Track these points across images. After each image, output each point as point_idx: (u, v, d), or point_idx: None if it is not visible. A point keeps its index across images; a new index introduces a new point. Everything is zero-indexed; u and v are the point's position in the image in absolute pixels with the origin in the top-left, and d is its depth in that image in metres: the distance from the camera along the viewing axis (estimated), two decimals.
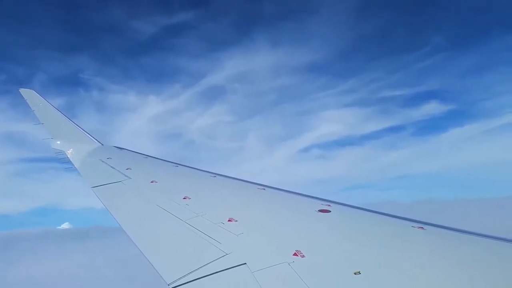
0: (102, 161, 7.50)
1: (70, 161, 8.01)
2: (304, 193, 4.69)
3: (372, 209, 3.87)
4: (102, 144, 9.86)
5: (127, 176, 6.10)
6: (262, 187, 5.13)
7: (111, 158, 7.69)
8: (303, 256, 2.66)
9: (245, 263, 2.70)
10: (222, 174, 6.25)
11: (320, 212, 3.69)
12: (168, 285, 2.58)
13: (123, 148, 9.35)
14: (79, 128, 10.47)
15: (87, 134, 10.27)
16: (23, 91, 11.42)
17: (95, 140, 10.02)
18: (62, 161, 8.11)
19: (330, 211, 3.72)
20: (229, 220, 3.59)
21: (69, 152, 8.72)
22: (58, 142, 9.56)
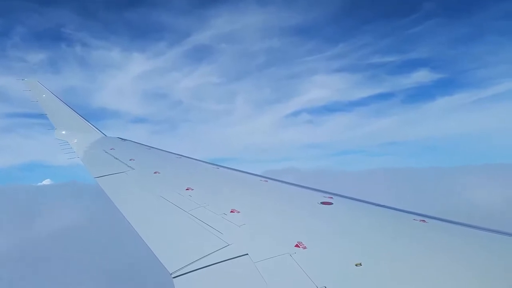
0: (106, 152, 7.53)
1: (74, 151, 8.06)
2: (306, 186, 4.70)
3: (374, 202, 3.88)
4: (105, 135, 9.90)
5: (130, 167, 6.13)
6: (265, 179, 5.14)
7: (114, 149, 7.72)
8: (304, 248, 2.68)
9: (247, 254, 2.72)
10: (225, 166, 6.28)
11: (322, 204, 3.70)
12: (171, 274, 2.61)
13: (126, 139, 9.38)
14: (83, 119, 10.50)
15: (91, 125, 10.31)
16: (27, 82, 11.43)
17: (98, 131, 10.06)
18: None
19: (332, 203, 3.73)
20: (231, 211, 3.61)
21: (73, 143, 8.76)
22: (63, 132, 9.61)
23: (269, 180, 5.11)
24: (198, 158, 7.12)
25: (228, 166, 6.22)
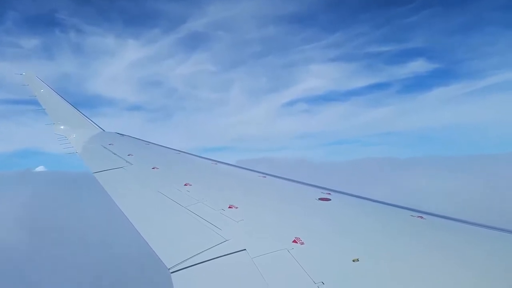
0: (104, 147, 7.52)
1: (72, 147, 8.05)
2: (304, 182, 4.71)
3: (372, 198, 3.89)
4: (104, 130, 9.88)
5: (128, 162, 6.13)
6: (263, 175, 5.14)
7: (112, 144, 7.71)
8: (302, 243, 2.69)
9: (245, 249, 2.72)
10: (223, 162, 6.28)
11: (320, 201, 3.71)
12: (169, 269, 2.62)
13: (125, 135, 9.37)
14: (81, 114, 10.48)
15: (89, 120, 10.29)
16: (25, 76, 11.40)
17: (96, 126, 10.04)
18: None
19: (330, 200, 3.74)
20: (229, 207, 3.61)
21: (71, 137, 8.74)
22: (62, 127, 9.59)
23: (267, 176, 5.12)
24: (195, 153, 7.13)
25: (227, 162, 6.22)
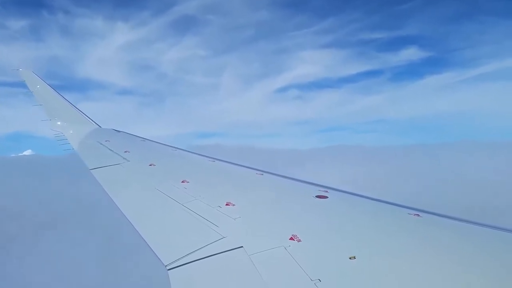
0: (101, 144, 7.49)
1: (69, 143, 8.01)
2: (302, 179, 4.72)
3: (369, 196, 3.90)
4: (100, 127, 9.85)
5: (125, 158, 6.11)
6: (260, 172, 5.14)
7: (109, 141, 7.68)
8: (299, 241, 2.69)
9: (242, 247, 2.73)
10: (221, 159, 6.27)
11: (317, 198, 3.72)
12: (166, 266, 2.62)
13: (121, 131, 9.35)
14: (77, 110, 10.44)
15: (85, 116, 10.25)
16: (22, 72, 11.32)
17: (93, 122, 10.01)
18: (59, 139, 8.31)
19: (327, 197, 3.75)
20: (226, 204, 3.61)
21: (68, 134, 8.70)
22: (59, 123, 9.56)
23: (264, 174, 5.12)
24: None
25: (224, 159, 6.22)
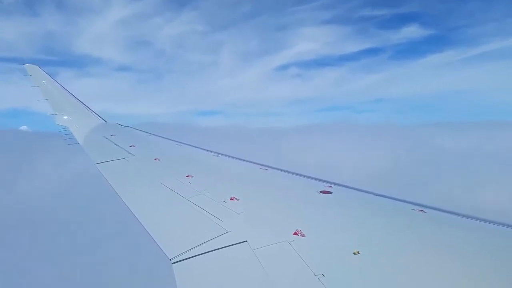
0: (106, 138, 7.54)
1: (74, 137, 8.07)
2: (306, 174, 4.72)
3: (374, 192, 3.89)
4: (106, 121, 9.91)
5: (130, 153, 6.15)
6: (265, 168, 5.15)
7: (114, 135, 7.73)
8: (303, 236, 2.70)
9: (246, 241, 2.74)
10: (225, 154, 6.29)
11: (322, 193, 3.72)
12: (170, 260, 2.64)
13: (127, 126, 9.40)
14: (83, 105, 10.50)
15: (91, 111, 10.32)
16: (28, 67, 11.40)
17: (98, 117, 10.07)
18: (66, 136, 8.34)
19: (331, 193, 3.74)
20: (231, 199, 3.62)
21: (74, 128, 8.76)
22: (65, 117, 9.64)
23: (268, 169, 5.12)
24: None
25: (228, 154, 6.23)
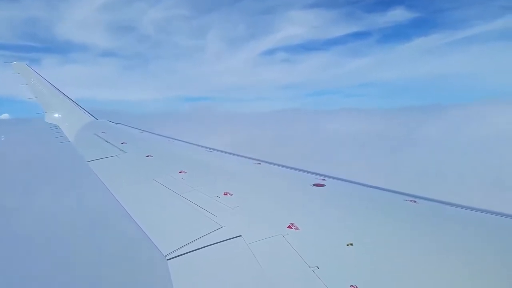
0: (97, 136, 7.47)
1: (65, 135, 7.97)
2: (299, 168, 4.74)
3: (366, 184, 3.93)
4: (96, 119, 9.80)
5: (122, 150, 6.10)
6: (258, 162, 5.16)
7: (105, 133, 7.65)
8: (297, 229, 2.71)
9: (240, 236, 2.75)
10: (218, 149, 6.28)
11: (315, 186, 3.74)
12: (165, 256, 2.63)
13: (118, 123, 9.31)
14: (73, 102, 10.36)
15: (81, 108, 10.19)
16: (15, 65, 11.19)
17: (89, 114, 9.95)
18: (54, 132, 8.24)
19: (324, 185, 3.77)
20: (224, 194, 3.62)
21: (64, 126, 8.66)
22: (56, 115, 9.51)
23: (261, 163, 5.13)
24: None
25: (221, 149, 6.22)
